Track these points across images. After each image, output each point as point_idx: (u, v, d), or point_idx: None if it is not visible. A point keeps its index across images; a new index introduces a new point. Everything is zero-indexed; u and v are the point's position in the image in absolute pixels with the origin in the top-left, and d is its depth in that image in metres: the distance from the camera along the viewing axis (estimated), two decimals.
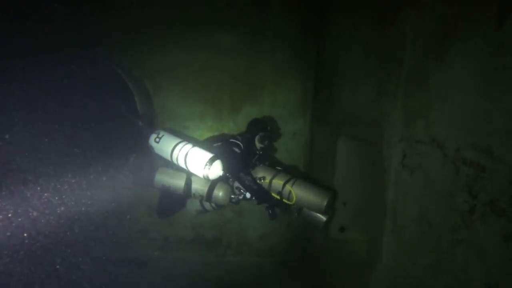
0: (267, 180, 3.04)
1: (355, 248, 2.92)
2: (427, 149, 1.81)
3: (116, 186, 3.98)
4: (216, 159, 2.84)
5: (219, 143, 3.23)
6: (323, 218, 2.95)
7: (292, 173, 3.18)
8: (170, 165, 3.21)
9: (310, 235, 4.16)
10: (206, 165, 2.79)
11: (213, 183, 3.02)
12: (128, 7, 3.94)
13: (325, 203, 2.77)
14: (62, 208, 3.28)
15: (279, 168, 3.21)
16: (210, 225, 4.29)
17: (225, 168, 2.92)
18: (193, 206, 3.37)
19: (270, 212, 2.99)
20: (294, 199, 2.89)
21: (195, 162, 2.86)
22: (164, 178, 3.19)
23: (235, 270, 4.24)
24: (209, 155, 2.87)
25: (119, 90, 3.90)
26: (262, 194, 2.99)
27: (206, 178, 2.84)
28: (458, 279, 1.44)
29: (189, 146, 2.99)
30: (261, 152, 3.28)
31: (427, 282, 1.69)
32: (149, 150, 3.27)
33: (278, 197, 2.99)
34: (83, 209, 3.48)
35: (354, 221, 3.13)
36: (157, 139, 3.15)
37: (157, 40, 4.03)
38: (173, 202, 3.49)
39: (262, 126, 3.35)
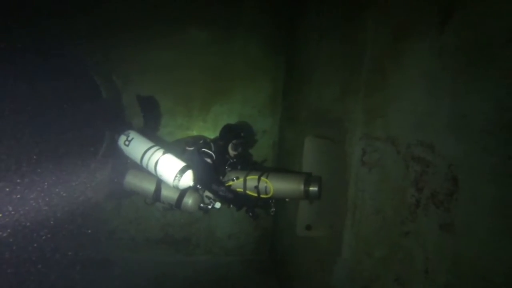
0: (241, 179, 3.04)
1: (319, 245, 3.03)
2: (383, 146, 1.93)
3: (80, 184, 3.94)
4: (187, 170, 2.84)
5: (191, 148, 3.21)
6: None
7: (263, 168, 3.24)
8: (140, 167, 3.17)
9: (277, 234, 4.26)
10: (176, 176, 2.78)
11: (183, 191, 3.04)
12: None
13: (302, 186, 2.81)
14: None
15: (250, 166, 3.26)
16: (179, 224, 4.31)
17: (196, 179, 2.92)
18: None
19: (251, 214, 3.02)
20: (272, 190, 2.91)
21: (165, 172, 2.85)
22: (134, 182, 3.20)
23: (204, 269, 4.28)
24: (179, 165, 2.85)
25: (86, 84, 3.86)
26: (239, 200, 3.00)
27: (176, 188, 2.87)
28: (405, 267, 1.56)
29: (159, 153, 2.95)
30: (234, 160, 3.27)
31: (379, 272, 1.80)
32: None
33: (255, 194, 2.99)
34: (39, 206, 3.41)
35: (320, 218, 3.23)
36: (127, 142, 3.11)
37: (126, 34, 4.01)
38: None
39: (236, 133, 3.31)
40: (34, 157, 3.32)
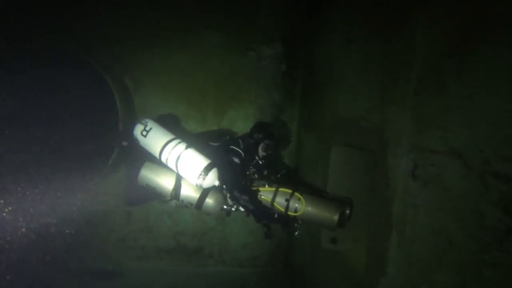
0: (273, 188, 2.77)
1: (349, 261, 2.79)
2: (444, 160, 1.69)
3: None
4: (212, 168, 2.56)
5: (217, 144, 2.92)
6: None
7: (295, 182, 2.97)
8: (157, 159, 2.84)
9: (295, 245, 4.00)
10: (201, 174, 2.51)
11: (205, 191, 2.75)
12: None
13: (336, 217, 2.57)
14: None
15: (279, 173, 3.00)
16: (192, 233, 4.04)
17: (221, 179, 2.64)
18: None
19: (266, 231, 2.73)
20: (303, 209, 2.62)
21: (189, 169, 2.56)
22: (151, 177, 2.85)
23: (217, 280, 4.02)
24: (204, 162, 2.58)
25: (98, 87, 3.59)
26: (260, 213, 2.71)
27: (199, 187, 2.59)
28: None
29: (182, 146, 2.64)
30: (263, 161, 2.96)
31: None
32: (134, 146, 2.91)
33: (282, 209, 2.71)
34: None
35: (348, 232, 2.98)
36: (144, 132, 2.76)
37: (139, 36, 3.78)
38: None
39: (270, 132, 2.96)
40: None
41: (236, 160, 2.76)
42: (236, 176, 2.71)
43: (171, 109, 3.94)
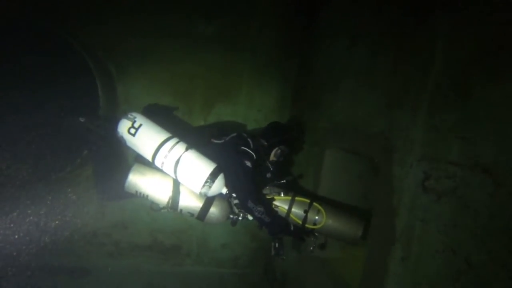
0: (289, 197, 2.47)
1: (339, 269, 2.62)
2: (466, 174, 1.53)
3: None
4: (219, 173, 2.20)
5: (219, 141, 2.53)
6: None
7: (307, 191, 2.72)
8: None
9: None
10: (206, 182, 2.14)
11: (209, 199, 2.36)
12: None
13: (360, 233, 2.33)
14: None
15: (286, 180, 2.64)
16: (171, 230, 3.74)
17: (231, 187, 2.28)
18: None
19: (277, 246, 2.42)
20: (323, 222, 2.34)
21: (192, 176, 2.17)
22: (141, 184, 2.36)
23: (193, 280, 3.74)
24: (210, 167, 2.19)
25: (78, 71, 3.22)
26: (276, 226, 2.35)
27: (203, 195, 2.24)
28: None
29: (181, 147, 2.21)
30: (272, 167, 2.61)
31: None
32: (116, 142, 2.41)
33: (299, 221, 2.42)
34: None
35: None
36: (133, 130, 2.26)
37: (127, 19, 3.41)
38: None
39: (287, 137, 2.62)
40: None
41: (248, 163, 2.36)
42: (249, 183, 2.32)
43: (156, 99, 3.62)
